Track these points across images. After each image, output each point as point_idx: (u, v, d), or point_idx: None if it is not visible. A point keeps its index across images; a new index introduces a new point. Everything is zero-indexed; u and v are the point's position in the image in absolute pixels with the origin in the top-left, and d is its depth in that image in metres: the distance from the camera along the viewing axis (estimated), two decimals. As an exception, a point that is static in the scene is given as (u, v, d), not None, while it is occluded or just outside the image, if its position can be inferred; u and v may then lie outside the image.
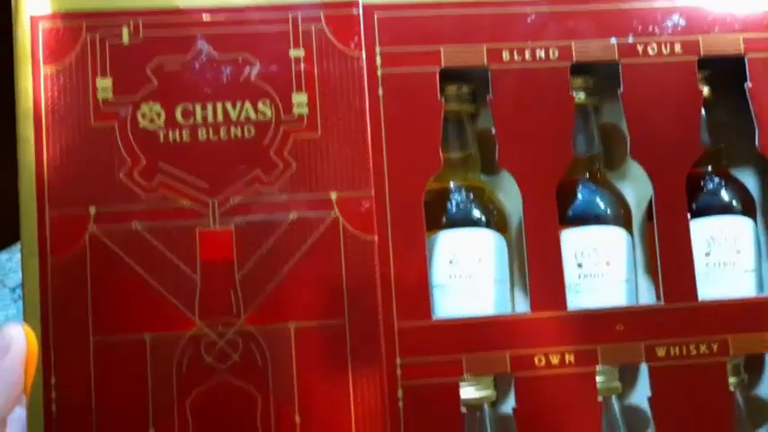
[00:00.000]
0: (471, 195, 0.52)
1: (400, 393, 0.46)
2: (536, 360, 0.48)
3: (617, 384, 0.52)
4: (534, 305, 0.48)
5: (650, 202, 0.51)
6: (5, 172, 0.46)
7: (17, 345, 0.43)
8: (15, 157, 0.45)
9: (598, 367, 0.48)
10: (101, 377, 0.44)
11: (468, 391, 0.50)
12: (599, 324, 0.48)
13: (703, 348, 0.49)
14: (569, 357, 0.48)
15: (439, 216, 0.52)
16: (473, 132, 0.54)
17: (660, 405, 0.48)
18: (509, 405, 0.52)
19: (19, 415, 0.45)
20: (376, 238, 0.47)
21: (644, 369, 0.52)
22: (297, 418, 0.45)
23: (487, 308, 0.51)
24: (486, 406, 0.51)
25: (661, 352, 0.48)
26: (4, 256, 0.82)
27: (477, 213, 0.52)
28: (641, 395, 0.54)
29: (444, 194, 0.52)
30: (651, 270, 0.55)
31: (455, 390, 0.47)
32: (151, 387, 0.44)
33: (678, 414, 0.48)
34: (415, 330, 0.47)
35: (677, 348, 0.48)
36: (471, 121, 0.54)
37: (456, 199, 0.52)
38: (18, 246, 0.46)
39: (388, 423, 0.46)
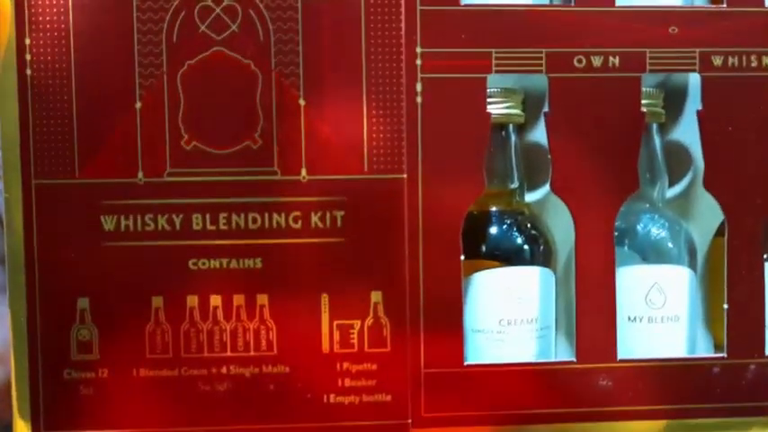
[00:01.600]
0: None
1: (419, 87, 0.41)
2: (575, 61, 0.42)
3: (661, 111, 0.47)
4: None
5: None
6: None
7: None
8: None
9: (643, 89, 0.43)
10: (82, 38, 0.39)
11: (494, 107, 0.45)
12: (650, 25, 0.42)
13: (766, 61, 0.43)
14: (614, 60, 0.42)
15: None
16: None
17: (710, 120, 0.43)
18: (537, 133, 0.48)
19: None
20: None
21: (692, 96, 0.47)
22: (301, 102, 0.40)
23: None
24: (512, 127, 0.46)
25: (717, 61, 0.42)
26: None
27: None
28: (684, 132, 0.49)
29: None
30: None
31: (481, 87, 0.42)
32: (137, 56, 0.39)
33: (728, 131, 0.43)
34: (440, 16, 0.41)
35: (736, 58, 0.42)
36: None
37: None
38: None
39: (405, 119, 0.41)
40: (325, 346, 0.41)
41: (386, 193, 0.41)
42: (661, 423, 0.43)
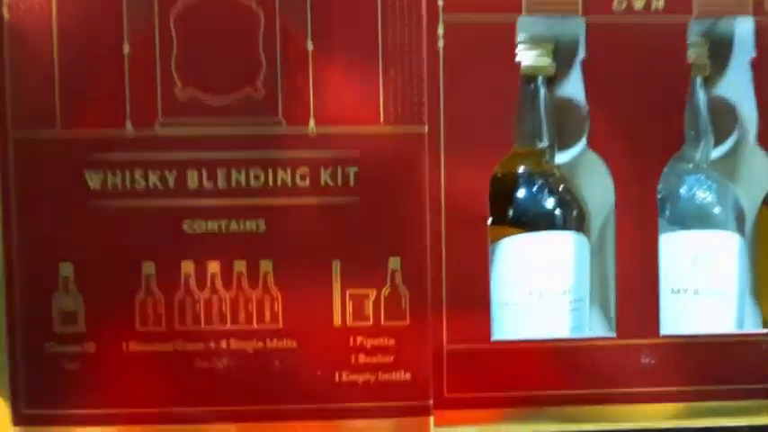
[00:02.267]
0: None
1: (441, 30, 0.37)
2: (615, 3, 0.38)
3: (706, 62, 0.43)
4: (619, -65, 0.38)
5: None
6: None
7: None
8: None
9: (688, 39, 0.39)
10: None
11: (524, 56, 0.41)
12: (699, -39, 0.38)
13: (828, 2, 0.39)
14: (657, 3, 0.38)
15: None
16: None
17: (765, 68, 0.39)
18: (569, 87, 0.44)
19: None
20: None
21: (738, 47, 0.43)
22: (309, 46, 0.36)
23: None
24: (541, 79, 0.42)
25: (773, 3, 0.39)
26: None
27: None
28: (729, 87, 0.45)
29: None
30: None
31: (510, 32, 0.38)
32: (126, -7, 0.36)
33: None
34: (463, -47, 0.37)
35: (794, 0, 0.39)
36: None
37: None
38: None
39: (425, 66, 0.37)
40: (337, 319, 0.37)
41: (404, 148, 0.37)
42: (707, 404, 0.39)
